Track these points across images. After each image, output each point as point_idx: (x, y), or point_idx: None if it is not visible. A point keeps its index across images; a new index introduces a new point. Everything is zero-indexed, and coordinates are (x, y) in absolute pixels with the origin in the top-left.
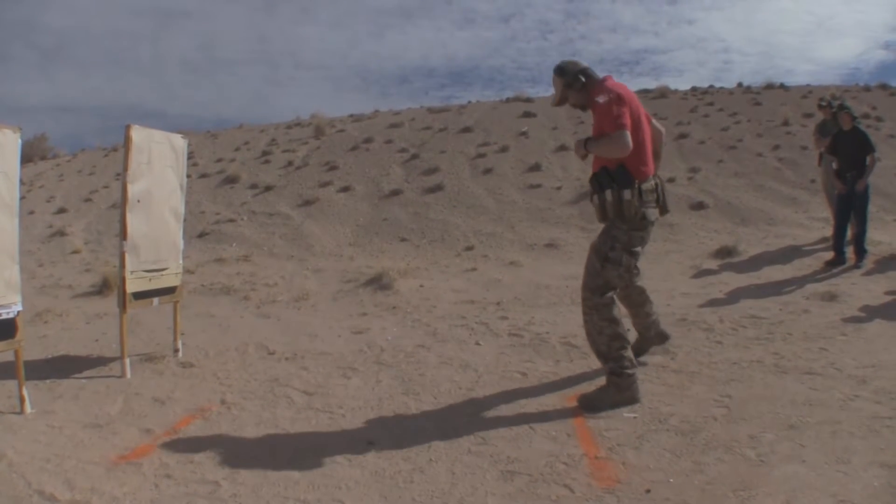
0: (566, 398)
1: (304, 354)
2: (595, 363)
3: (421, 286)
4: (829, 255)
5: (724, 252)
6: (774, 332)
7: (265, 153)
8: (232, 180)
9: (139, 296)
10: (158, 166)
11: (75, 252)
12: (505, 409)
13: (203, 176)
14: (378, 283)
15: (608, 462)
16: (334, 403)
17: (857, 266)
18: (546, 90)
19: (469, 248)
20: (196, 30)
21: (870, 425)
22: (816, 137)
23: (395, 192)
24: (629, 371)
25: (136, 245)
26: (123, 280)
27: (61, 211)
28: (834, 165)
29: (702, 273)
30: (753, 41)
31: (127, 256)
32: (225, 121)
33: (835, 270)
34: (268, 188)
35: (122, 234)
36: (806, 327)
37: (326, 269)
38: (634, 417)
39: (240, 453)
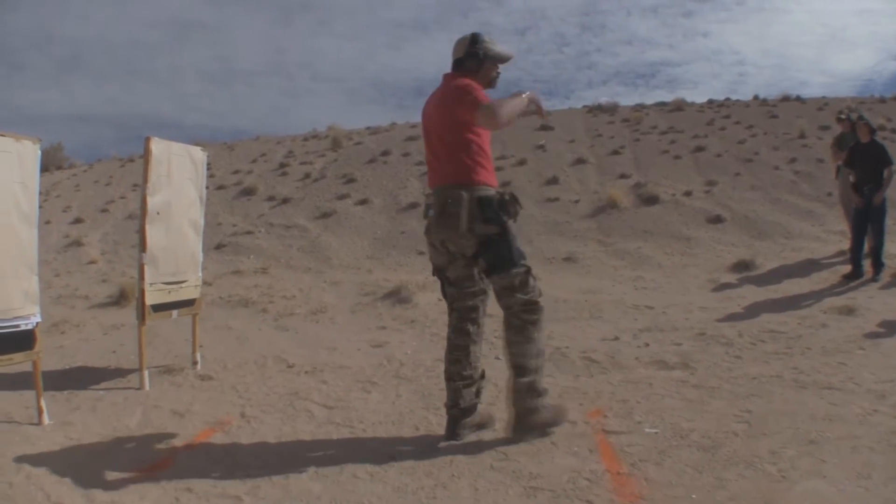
0: (587, 413)
1: (323, 368)
2: (615, 377)
3: (439, 300)
4: (847, 268)
5: (742, 266)
6: (793, 347)
7: (282, 165)
8: (249, 192)
9: (158, 308)
10: (178, 178)
11: (92, 262)
12: None
13: (220, 188)
14: (396, 296)
15: (630, 478)
16: (355, 418)
17: (874, 279)
18: (562, 103)
19: None
20: (213, 41)
21: (889, 440)
22: (834, 150)
23: (413, 206)
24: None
25: (155, 257)
26: (142, 292)
27: (77, 221)
28: (851, 178)
29: (719, 287)
30: (768, 53)
31: (146, 268)
32: (241, 132)
33: (852, 284)
34: (285, 200)
35: (142, 246)
36: (824, 342)
37: (344, 282)
38: (656, 433)
39: (261, 467)
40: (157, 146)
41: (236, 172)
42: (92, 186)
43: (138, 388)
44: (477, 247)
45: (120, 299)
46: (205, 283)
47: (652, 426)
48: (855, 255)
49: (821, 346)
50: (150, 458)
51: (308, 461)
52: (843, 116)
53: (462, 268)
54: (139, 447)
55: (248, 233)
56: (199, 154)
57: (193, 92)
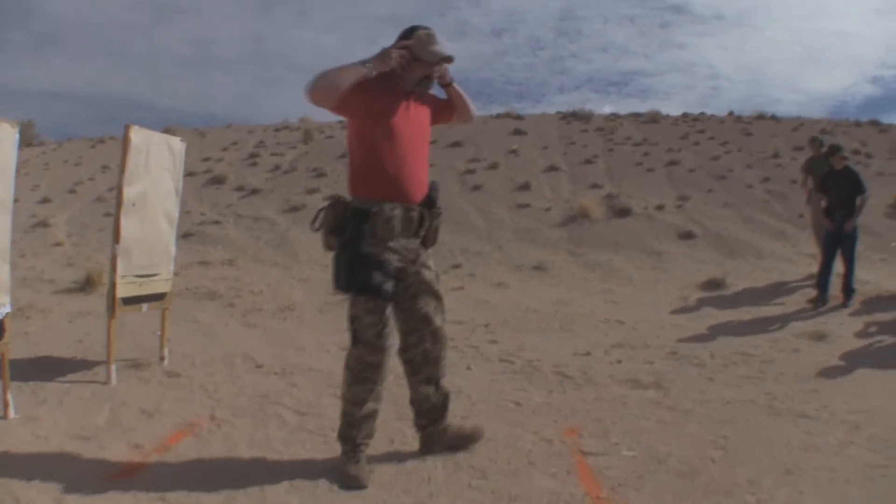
0: (562, 431)
1: (292, 370)
2: (589, 394)
3: None
4: (813, 293)
5: (713, 284)
6: (766, 371)
7: (253, 155)
8: (218, 181)
9: (129, 301)
10: (156, 169)
11: (58, 244)
12: (502, 441)
13: (190, 175)
14: None
15: (611, 503)
16: (328, 426)
17: (844, 306)
18: (533, 106)
19: (456, 266)
20: (191, 25)
21: (865, 473)
22: (804, 177)
23: None
24: None
25: (128, 249)
26: (114, 284)
27: (45, 201)
28: (823, 204)
29: (691, 305)
30: (743, 69)
31: (119, 260)
32: (214, 118)
33: (822, 309)
34: (254, 191)
35: (115, 236)
36: (797, 367)
37: (312, 279)
38: (633, 456)
39: (235, 476)
40: (137, 135)
41: (206, 160)
42: (61, 166)
43: (105, 383)
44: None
45: (85, 285)
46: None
47: (629, 449)
48: (822, 281)
49: (793, 372)
50: (122, 462)
51: (283, 472)
52: (816, 144)
53: None
54: (109, 449)
55: (216, 222)
56: (177, 144)
57: (168, 75)
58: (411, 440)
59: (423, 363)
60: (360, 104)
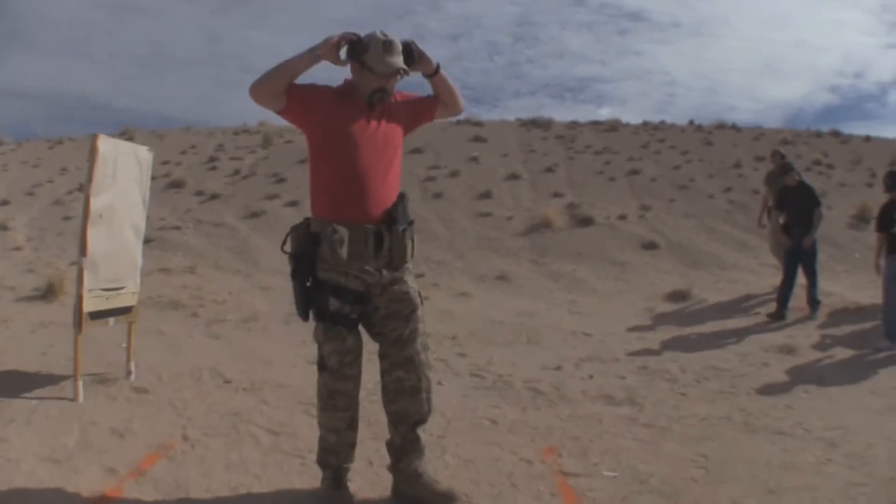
0: (541, 451)
1: (261, 385)
2: (563, 411)
3: None
4: (772, 307)
5: (678, 296)
6: (738, 386)
7: (212, 159)
8: (178, 185)
9: (95, 315)
10: (123, 179)
11: (17, 249)
12: (482, 462)
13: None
14: None
15: None
16: (303, 447)
17: (811, 318)
18: (488, 111)
19: (419, 276)
20: (150, 25)
21: (846, 492)
22: (767, 190)
23: None
24: None
25: (95, 262)
26: (80, 299)
27: (4, 203)
28: (781, 220)
29: (657, 317)
30: (699, 76)
31: (86, 273)
32: (170, 119)
33: (787, 322)
34: (214, 196)
35: (82, 249)
36: (768, 382)
37: (274, 288)
38: (615, 476)
39: (215, 503)
40: (105, 145)
41: (165, 163)
42: (20, 167)
43: (73, 400)
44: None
45: (47, 293)
46: None
47: (610, 469)
48: (782, 296)
49: (765, 387)
50: (97, 490)
51: (263, 498)
52: (777, 155)
53: None
54: (82, 474)
55: (176, 228)
56: (145, 154)
57: (126, 75)
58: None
59: (397, 393)
60: (314, 113)
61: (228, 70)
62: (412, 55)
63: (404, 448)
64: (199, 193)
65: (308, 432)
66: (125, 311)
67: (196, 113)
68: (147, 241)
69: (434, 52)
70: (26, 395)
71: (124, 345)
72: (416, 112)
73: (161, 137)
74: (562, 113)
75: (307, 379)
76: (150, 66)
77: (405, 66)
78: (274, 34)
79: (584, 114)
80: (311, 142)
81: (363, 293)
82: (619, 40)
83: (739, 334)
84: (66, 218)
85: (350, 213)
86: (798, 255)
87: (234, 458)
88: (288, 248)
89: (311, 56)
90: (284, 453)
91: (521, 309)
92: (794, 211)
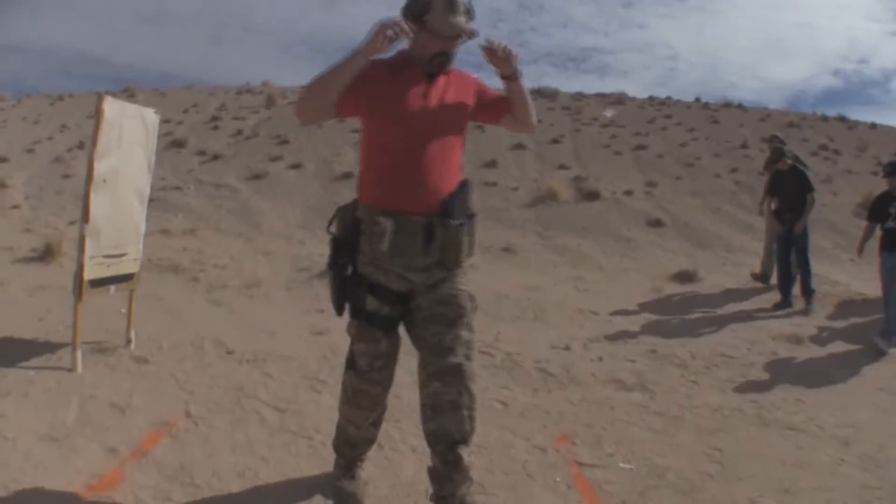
0: (555, 438)
1: (265, 357)
2: (574, 395)
3: None
4: (777, 297)
5: (685, 276)
6: (748, 376)
7: (214, 118)
8: (179, 144)
9: (96, 283)
10: (128, 143)
11: (15, 207)
12: (495, 449)
13: None
14: None
15: None
16: (311, 426)
17: (806, 311)
18: (489, 78)
19: None
20: None
21: (861, 495)
22: (767, 180)
23: (347, 175)
24: None
25: (97, 228)
26: (81, 266)
27: (2, 160)
28: (773, 206)
29: (664, 298)
30: (702, 52)
31: (87, 240)
32: (170, 76)
33: (794, 309)
34: (216, 157)
35: (84, 215)
36: (778, 373)
37: (277, 253)
38: (631, 469)
39: (222, 489)
40: (111, 107)
41: (167, 122)
42: (19, 124)
43: (71, 370)
44: None
45: (45, 255)
46: None
47: (625, 461)
48: (783, 285)
49: (775, 378)
50: (98, 471)
51: (272, 484)
52: (776, 140)
53: None
54: (82, 454)
55: (177, 188)
56: (151, 117)
57: (125, 31)
58: (400, 443)
59: (435, 409)
60: (363, 101)
61: (229, 28)
62: (473, 17)
63: (447, 474)
64: (201, 153)
65: (314, 410)
66: (126, 278)
67: (197, 70)
68: (148, 201)
69: None
70: (23, 364)
71: (124, 310)
72: (484, 104)
73: (163, 96)
74: (563, 82)
75: (311, 351)
76: (150, 22)
77: (471, 28)
78: None
79: (586, 84)
80: (362, 121)
81: (407, 294)
82: (624, 12)
83: (746, 320)
84: (66, 176)
85: (399, 202)
86: (790, 241)
87: (239, 438)
88: (333, 229)
89: (355, 60)
90: (292, 433)
91: (527, 283)
92: (786, 196)
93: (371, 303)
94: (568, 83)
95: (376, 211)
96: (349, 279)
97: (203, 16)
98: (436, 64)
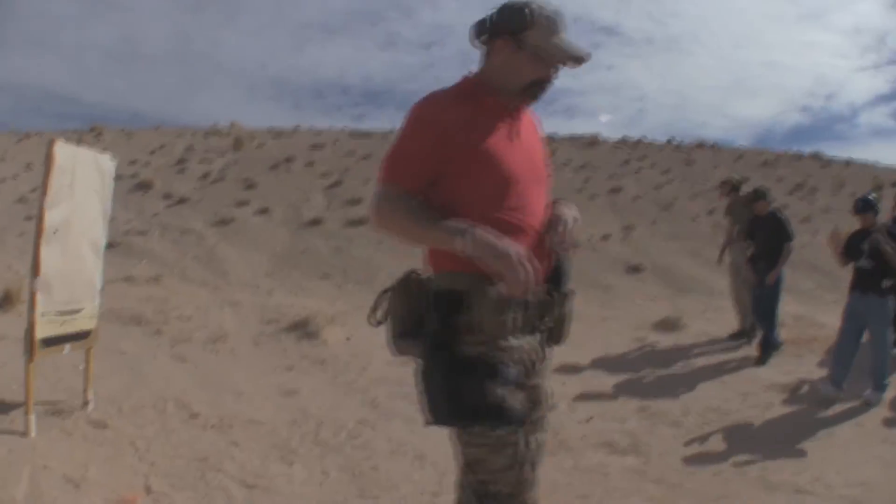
0: None
1: (231, 422)
2: (565, 462)
3: (348, 338)
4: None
5: (667, 324)
6: (745, 433)
7: (181, 161)
8: (145, 187)
9: (49, 342)
10: (81, 190)
11: None
12: None
13: (116, 178)
14: (303, 329)
15: None
16: None
17: (759, 364)
18: None
19: (387, 292)
20: (121, 20)
21: None
22: (731, 222)
23: (316, 222)
24: None
25: (48, 283)
26: (32, 324)
27: None
28: (749, 252)
29: (647, 348)
30: (669, 92)
31: (38, 296)
32: (138, 115)
33: (782, 356)
34: (182, 200)
35: (34, 269)
36: (775, 428)
37: (243, 304)
38: None
39: None
40: (63, 152)
41: (133, 163)
42: None
43: (24, 435)
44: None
45: (3, 302)
46: None
47: None
48: (746, 320)
49: (774, 434)
50: None
51: None
52: (727, 185)
53: None
54: None
55: (142, 233)
56: (107, 164)
57: (96, 70)
58: None
59: None
60: (444, 165)
61: (199, 68)
62: None
63: None
64: (167, 196)
65: (285, 486)
66: (82, 335)
67: (165, 111)
68: (111, 245)
69: (406, 59)
70: None
71: (82, 367)
72: None
73: (130, 136)
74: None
75: (281, 414)
76: (120, 61)
77: (588, 51)
78: (244, 35)
79: (555, 126)
80: (438, 181)
81: (522, 382)
82: (592, 54)
83: (735, 370)
84: (29, 218)
85: None
86: (760, 293)
87: None
88: (391, 317)
89: (450, 243)
90: None
91: None
92: (761, 243)
93: (497, 391)
94: (547, 129)
95: (479, 276)
96: (462, 365)
97: (173, 57)
98: (531, 95)
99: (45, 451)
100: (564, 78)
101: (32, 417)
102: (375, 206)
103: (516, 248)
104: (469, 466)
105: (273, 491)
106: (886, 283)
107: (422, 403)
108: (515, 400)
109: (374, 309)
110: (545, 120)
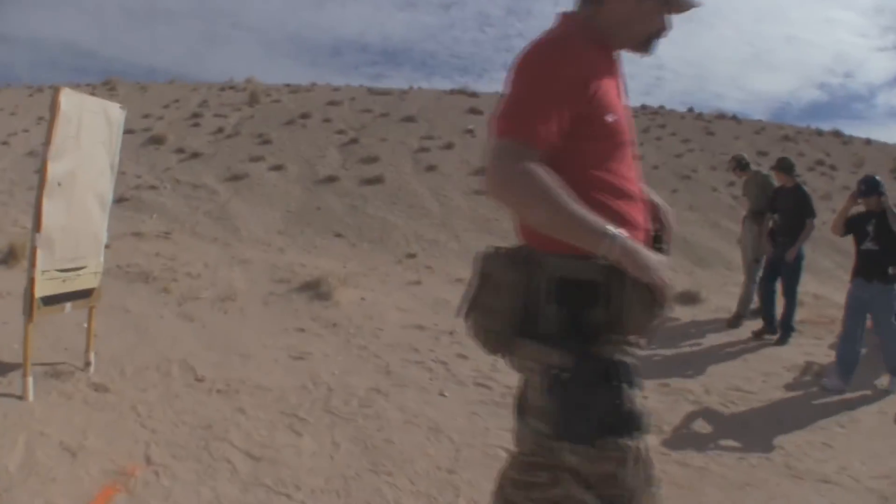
0: None
1: (238, 386)
2: None
3: (362, 299)
4: (758, 324)
5: (688, 298)
6: (769, 416)
7: (195, 115)
8: (157, 141)
9: (49, 301)
10: (88, 141)
11: None
12: None
13: (128, 132)
14: (315, 290)
15: None
16: (289, 480)
17: (780, 344)
18: (475, 81)
19: (411, 256)
20: None
21: None
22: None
23: (331, 179)
24: None
25: (51, 239)
26: (32, 282)
27: None
28: (770, 223)
29: (667, 321)
30: (688, 63)
31: (39, 252)
32: (156, 71)
33: (801, 333)
34: (195, 155)
35: (36, 224)
36: (798, 411)
37: (254, 261)
38: None
39: None
40: (68, 100)
41: (146, 117)
42: None
43: (20, 398)
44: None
45: (8, 257)
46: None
47: None
48: (766, 312)
49: (797, 418)
50: None
51: None
52: (735, 162)
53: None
54: None
55: (153, 187)
56: (116, 113)
57: (114, 24)
58: None
59: None
60: (575, 118)
61: (218, 24)
62: None
63: None
64: (180, 151)
65: (293, 458)
66: (85, 294)
67: (183, 66)
68: (121, 200)
69: (425, 19)
70: None
71: (85, 324)
72: None
73: (144, 89)
74: None
75: (290, 379)
76: (139, 16)
77: None
78: None
79: None
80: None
81: None
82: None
83: (756, 349)
84: (39, 171)
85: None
86: (778, 268)
87: (205, 494)
88: (492, 307)
89: (592, 242)
90: (267, 489)
91: None
92: (783, 217)
93: (637, 400)
94: None
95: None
96: (604, 371)
97: (192, 12)
98: (649, 47)
99: (42, 416)
100: None
101: (30, 380)
102: (500, 167)
103: (660, 260)
104: (597, 484)
105: (280, 463)
106: (893, 270)
107: (544, 416)
108: (645, 404)
109: (466, 300)
110: None
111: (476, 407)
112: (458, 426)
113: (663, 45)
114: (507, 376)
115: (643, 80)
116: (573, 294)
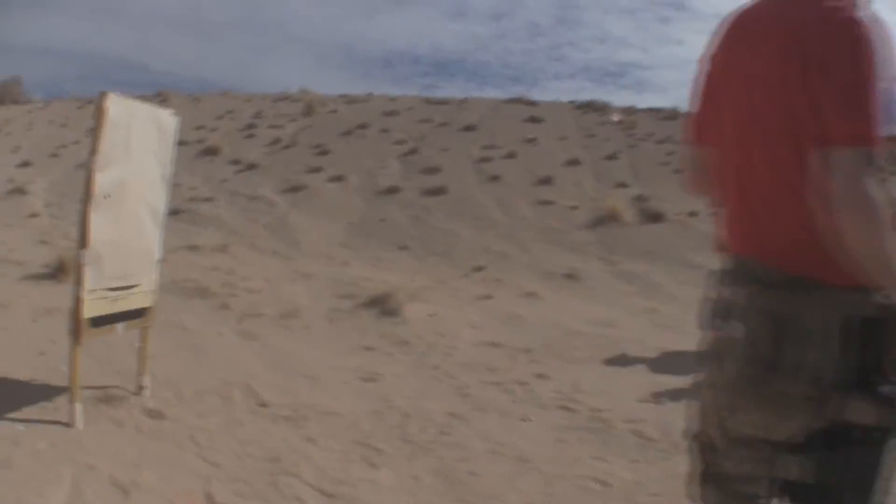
0: None
1: (306, 412)
2: (679, 466)
3: (432, 315)
4: None
5: None
6: None
7: (250, 126)
8: (212, 152)
9: (99, 322)
10: (138, 150)
11: (33, 216)
12: None
13: (181, 143)
14: (382, 306)
15: None
16: None
17: None
18: (528, 90)
19: (479, 269)
20: None
21: None
22: None
23: (393, 190)
24: None
25: (99, 255)
26: (79, 302)
27: (25, 164)
28: None
29: None
30: None
31: (86, 270)
32: (206, 83)
33: None
34: (251, 166)
35: (83, 240)
36: None
37: (317, 275)
38: None
39: None
40: (116, 106)
41: (200, 128)
42: (46, 127)
43: (68, 425)
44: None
45: (57, 272)
46: None
47: None
48: None
49: None
50: None
51: None
52: None
53: (752, 461)
54: None
55: (208, 199)
56: (168, 120)
57: (163, 37)
58: None
59: None
60: None
61: (267, 36)
62: None
63: None
64: (235, 162)
65: (370, 494)
66: (138, 314)
67: (233, 78)
68: (176, 212)
69: (476, 29)
70: (12, 414)
71: (138, 345)
72: None
73: (197, 101)
74: (601, 97)
75: (361, 404)
76: (188, 29)
77: None
78: (312, 2)
79: (623, 99)
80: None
81: None
82: (661, 28)
83: None
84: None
85: None
86: None
87: None
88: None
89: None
90: None
91: (599, 317)
92: None
93: None
94: (606, 98)
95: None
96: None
97: (240, 24)
98: None
99: (91, 447)
100: (634, 51)
101: (78, 406)
102: (865, 192)
103: None
104: None
105: (356, 501)
106: None
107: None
108: None
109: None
110: (616, 92)
111: (562, 433)
112: (545, 455)
113: None
114: (591, 398)
115: None
116: (874, 335)
